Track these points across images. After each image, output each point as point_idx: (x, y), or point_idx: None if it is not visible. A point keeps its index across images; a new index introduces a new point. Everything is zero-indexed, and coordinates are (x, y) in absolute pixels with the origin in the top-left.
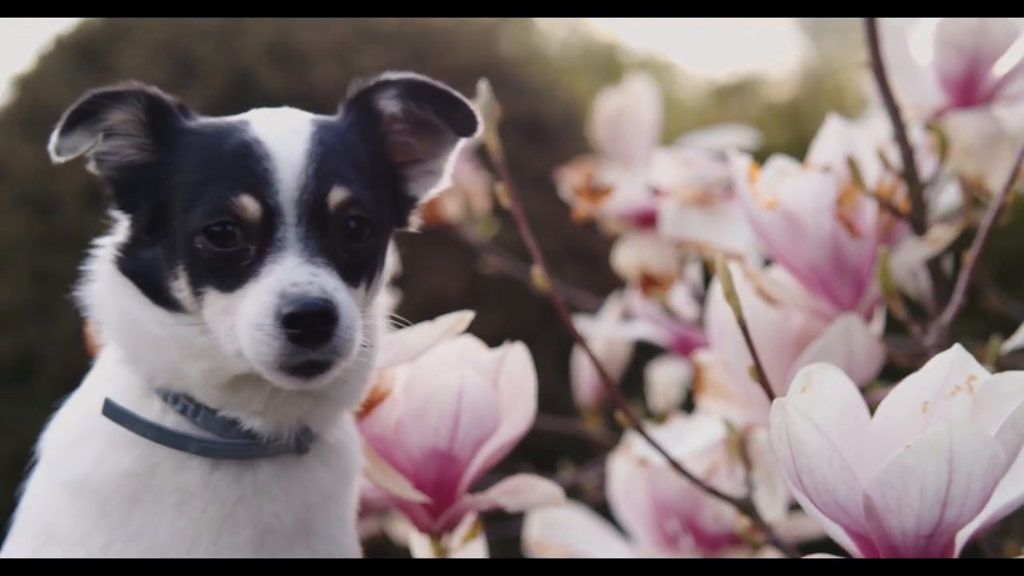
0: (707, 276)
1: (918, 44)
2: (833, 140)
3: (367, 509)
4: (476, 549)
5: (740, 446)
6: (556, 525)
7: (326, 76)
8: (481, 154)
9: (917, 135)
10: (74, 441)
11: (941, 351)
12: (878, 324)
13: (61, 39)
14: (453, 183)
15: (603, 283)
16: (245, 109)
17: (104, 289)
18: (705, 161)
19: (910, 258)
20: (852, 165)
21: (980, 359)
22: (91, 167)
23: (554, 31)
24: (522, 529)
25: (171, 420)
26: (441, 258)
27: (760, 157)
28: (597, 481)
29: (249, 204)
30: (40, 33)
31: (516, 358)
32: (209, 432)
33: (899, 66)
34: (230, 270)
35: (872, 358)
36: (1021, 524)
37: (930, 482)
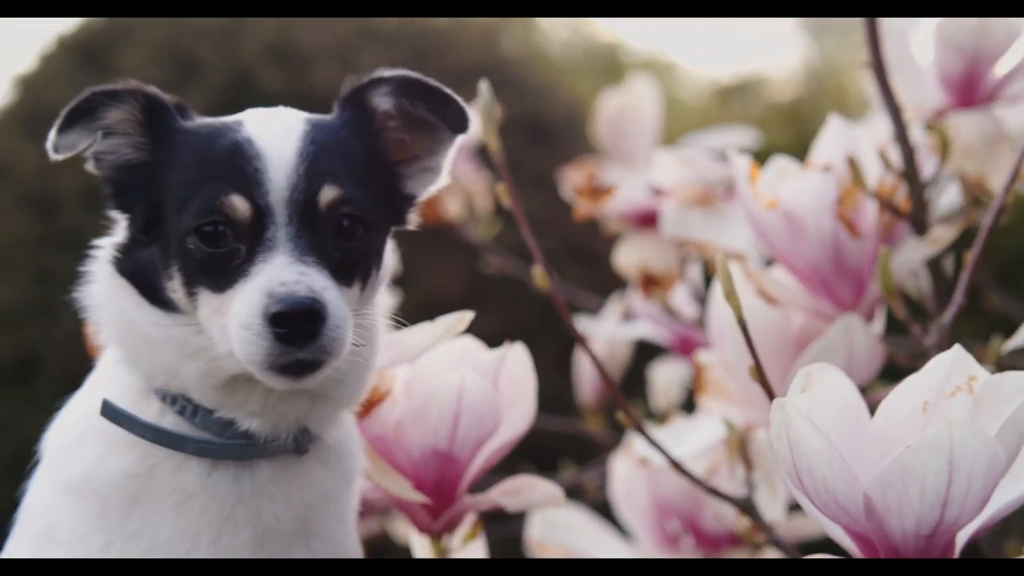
0: (708, 276)
1: (919, 44)
2: (834, 140)
3: (368, 509)
4: (476, 549)
5: (740, 446)
6: (557, 525)
7: (326, 76)
8: (483, 154)
9: (918, 135)
10: (74, 442)
11: (942, 351)
12: (879, 324)
13: (63, 39)
14: (454, 182)
15: (605, 283)
16: (245, 109)
17: (102, 290)
18: (706, 161)
19: (911, 258)
20: (853, 165)
21: (981, 359)
22: (89, 166)
23: (556, 31)
24: (523, 529)
25: (169, 421)
26: (442, 258)
27: (762, 157)
28: (598, 481)
29: (239, 204)
30: (42, 33)
31: (516, 358)
32: (207, 433)
33: (900, 66)
34: (221, 270)
35: (872, 358)
36: (1021, 524)
37: (930, 482)
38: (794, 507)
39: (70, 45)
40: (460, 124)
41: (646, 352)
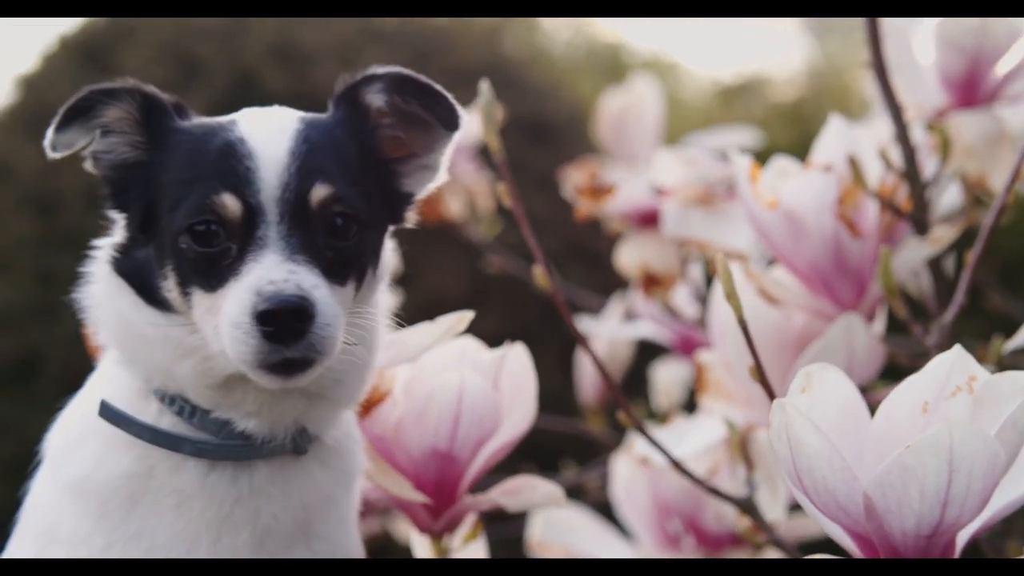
0: (709, 276)
1: (920, 44)
2: (835, 140)
3: (369, 509)
4: (477, 549)
5: (741, 446)
6: (558, 525)
7: (329, 76)
8: (484, 153)
9: (919, 135)
10: (74, 442)
11: (942, 351)
12: (879, 324)
13: (65, 39)
14: (456, 182)
15: (607, 283)
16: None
17: (101, 290)
18: (707, 160)
19: (912, 258)
20: (854, 165)
21: (982, 359)
22: (88, 165)
23: (558, 31)
24: (524, 529)
25: (167, 421)
26: (444, 258)
27: (765, 157)
28: (599, 481)
29: (230, 203)
30: (44, 33)
31: (517, 358)
32: (205, 433)
33: (901, 66)
34: (214, 269)
35: (873, 358)
36: (1022, 524)
37: (930, 482)
38: (795, 507)
39: (72, 45)
40: (451, 121)
41: (648, 352)
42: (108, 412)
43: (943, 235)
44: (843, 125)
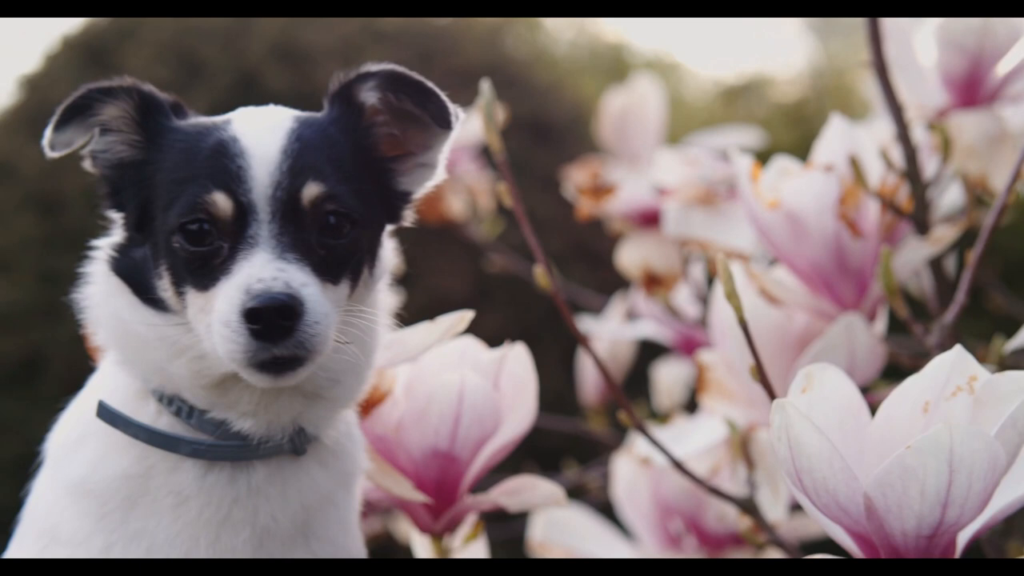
0: (710, 275)
1: (921, 44)
2: (836, 140)
3: (370, 508)
4: (477, 549)
5: (742, 446)
6: (559, 525)
7: (331, 76)
8: (486, 153)
9: (920, 134)
10: (75, 442)
11: (944, 351)
12: (880, 324)
13: (68, 39)
14: (458, 182)
15: (610, 283)
16: None
17: (98, 291)
18: (708, 160)
19: (913, 258)
20: (855, 165)
21: (983, 359)
22: (87, 164)
23: (561, 31)
24: (525, 529)
25: (165, 422)
26: (447, 258)
27: (767, 157)
28: (601, 481)
29: (221, 201)
30: (47, 33)
31: (517, 358)
32: (203, 434)
33: (902, 66)
34: (206, 268)
35: (874, 358)
36: None
37: (930, 482)
38: (796, 507)
39: (75, 45)
40: (443, 119)
41: (650, 351)
42: (105, 413)
43: (944, 235)
44: (844, 125)
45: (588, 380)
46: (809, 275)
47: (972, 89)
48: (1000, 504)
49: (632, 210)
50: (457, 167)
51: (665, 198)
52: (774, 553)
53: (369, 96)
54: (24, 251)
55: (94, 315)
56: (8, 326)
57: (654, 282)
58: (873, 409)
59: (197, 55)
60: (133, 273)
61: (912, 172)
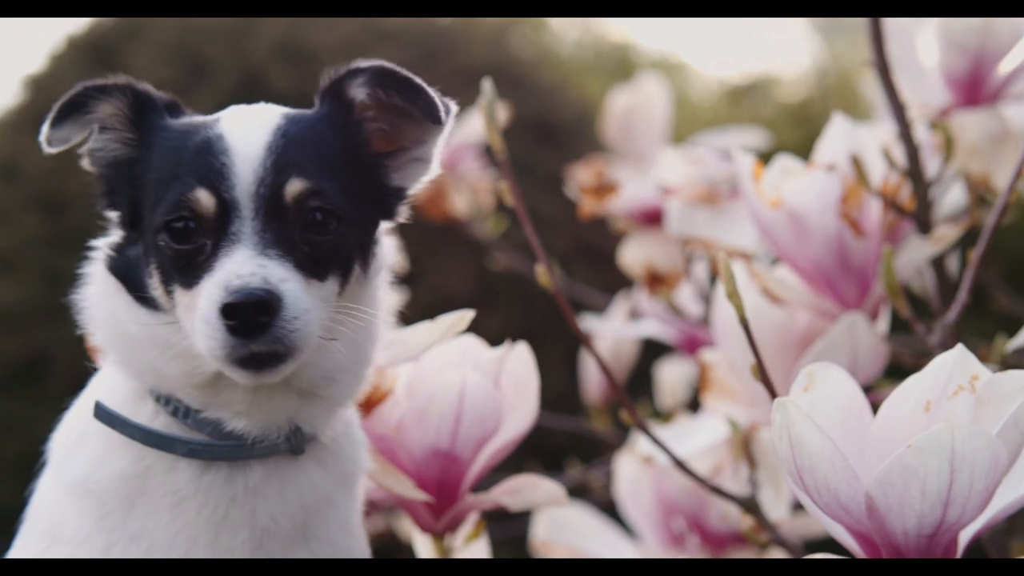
0: (713, 274)
1: (924, 43)
2: (838, 139)
3: (373, 508)
4: (479, 548)
5: (744, 445)
6: (561, 524)
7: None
8: (490, 151)
9: (922, 134)
10: (75, 442)
11: (945, 350)
12: (883, 323)
13: (73, 39)
14: (462, 180)
15: (615, 282)
16: None
17: (95, 291)
18: (711, 159)
19: (915, 257)
20: (857, 164)
21: (985, 358)
22: (85, 163)
23: (566, 31)
24: (528, 528)
25: (162, 422)
26: (451, 257)
27: (773, 157)
28: (604, 480)
29: (204, 198)
30: (52, 33)
31: (518, 357)
32: (200, 434)
33: (905, 65)
34: (191, 266)
35: (876, 357)
36: None
37: (931, 482)
38: (798, 506)
39: (79, 45)
40: (433, 114)
41: (653, 350)
42: (102, 413)
43: (946, 234)
44: (846, 124)
45: (591, 379)
46: (811, 274)
47: (974, 88)
48: (1002, 503)
49: (635, 209)
50: (460, 165)
51: (668, 197)
52: (776, 552)
53: (358, 92)
54: (28, 251)
55: (91, 315)
56: (12, 326)
57: (657, 281)
58: (875, 408)
59: (201, 55)
60: (127, 272)
61: (914, 171)
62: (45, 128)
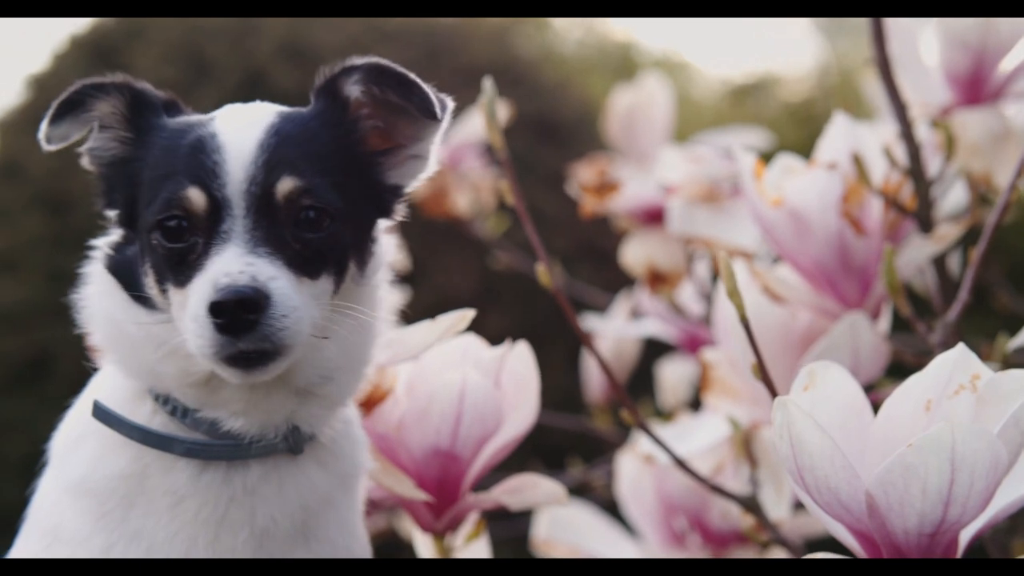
0: (715, 273)
1: (925, 42)
2: (839, 138)
3: (374, 507)
4: (480, 548)
5: (745, 444)
6: (563, 524)
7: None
8: (492, 150)
9: (924, 132)
10: (74, 442)
11: (947, 349)
12: (884, 322)
13: (76, 39)
14: (464, 179)
15: (617, 281)
16: None
17: (94, 291)
18: (713, 158)
19: (916, 256)
20: (858, 162)
21: (987, 357)
22: (84, 162)
23: (569, 30)
24: (529, 527)
25: (160, 421)
26: (454, 257)
27: (774, 156)
28: (605, 479)
29: (195, 196)
30: (55, 33)
31: (519, 356)
32: (198, 433)
33: (906, 64)
34: (183, 264)
35: (878, 356)
36: None
37: (932, 481)
38: (799, 505)
39: (82, 45)
40: (428, 110)
41: (658, 349)
42: (100, 413)
43: (948, 233)
44: (848, 123)
45: (592, 378)
46: (812, 273)
47: (976, 87)
48: (1002, 503)
49: (636, 208)
50: (462, 164)
51: (670, 196)
52: (777, 552)
53: (353, 89)
54: (32, 250)
55: (90, 315)
56: (16, 325)
57: (658, 280)
58: (877, 407)
59: (205, 55)
60: (125, 271)
61: (916, 170)
62: (44, 125)
